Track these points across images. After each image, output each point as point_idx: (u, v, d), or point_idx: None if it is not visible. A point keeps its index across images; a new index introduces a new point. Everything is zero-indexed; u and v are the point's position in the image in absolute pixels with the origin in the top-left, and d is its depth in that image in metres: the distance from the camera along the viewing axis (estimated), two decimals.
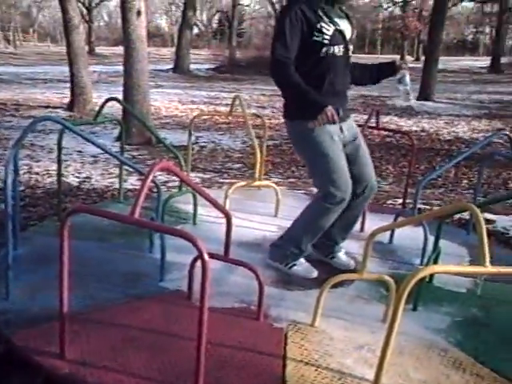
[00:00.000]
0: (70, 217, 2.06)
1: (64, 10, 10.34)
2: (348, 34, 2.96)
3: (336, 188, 2.92)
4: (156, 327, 2.53)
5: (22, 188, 4.52)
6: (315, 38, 2.83)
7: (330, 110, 2.71)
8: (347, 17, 3.04)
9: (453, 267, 1.93)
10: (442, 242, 2.96)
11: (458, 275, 3.14)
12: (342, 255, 3.35)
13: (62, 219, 2.08)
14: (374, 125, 4.17)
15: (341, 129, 3.00)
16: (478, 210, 1.99)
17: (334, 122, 2.77)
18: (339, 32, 2.89)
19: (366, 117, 4.10)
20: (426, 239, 3.22)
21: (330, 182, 2.92)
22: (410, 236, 3.72)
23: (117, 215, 2.24)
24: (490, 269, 1.79)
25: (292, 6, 2.83)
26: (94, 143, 3.38)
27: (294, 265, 3.21)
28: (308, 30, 2.82)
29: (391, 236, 3.78)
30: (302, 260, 3.24)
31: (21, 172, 4.46)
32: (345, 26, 2.95)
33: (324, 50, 2.86)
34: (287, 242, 3.23)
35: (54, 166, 6.08)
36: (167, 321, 2.59)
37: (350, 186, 2.96)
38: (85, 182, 5.63)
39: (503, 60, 34.31)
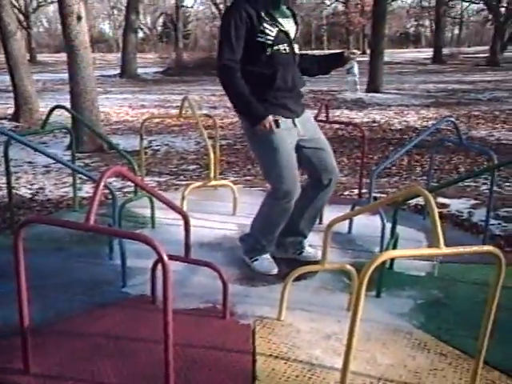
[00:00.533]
0: (23, 228, 2.00)
1: None
2: (292, 33, 2.99)
3: (284, 183, 2.96)
4: (122, 333, 2.48)
5: None
6: (259, 39, 2.86)
7: (268, 121, 2.84)
8: (293, 15, 3.06)
9: (409, 251, 1.95)
10: (400, 228, 3.02)
11: (417, 259, 3.20)
12: (308, 248, 3.37)
13: (15, 231, 2.02)
14: (324, 118, 4.21)
15: (294, 123, 3.02)
16: (429, 194, 2.03)
17: (272, 131, 2.86)
18: (283, 32, 2.93)
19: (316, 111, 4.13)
20: (383, 226, 3.28)
21: (279, 177, 2.96)
22: (369, 225, 3.78)
23: (71, 223, 2.21)
24: (444, 250, 1.83)
25: (236, 8, 2.85)
26: (43, 153, 3.30)
27: (256, 259, 3.23)
28: (252, 31, 2.85)
29: (350, 226, 3.83)
30: (265, 255, 3.25)
31: None
32: (289, 25, 2.98)
33: (269, 49, 2.89)
34: (250, 237, 3.27)
35: (3, 179, 5.95)
36: (133, 326, 2.55)
37: (297, 181, 3.01)
38: (38, 193, 5.49)
39: (445, 51, 35.33)
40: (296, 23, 3.05)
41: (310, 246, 3.40)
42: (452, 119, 4.14)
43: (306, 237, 3.37)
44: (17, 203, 4.83)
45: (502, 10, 29.26)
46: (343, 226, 3.76)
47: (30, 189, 5.66)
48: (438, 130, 7.53)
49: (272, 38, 2.88)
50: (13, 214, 3.87)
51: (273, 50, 2.89)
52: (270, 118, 2.86)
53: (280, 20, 2.93)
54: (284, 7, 3.00)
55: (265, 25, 2.86)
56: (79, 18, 7.25)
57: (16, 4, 37.12)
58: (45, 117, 4.16)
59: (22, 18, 38.43)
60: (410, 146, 3.82)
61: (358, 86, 3.30)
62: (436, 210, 1.94)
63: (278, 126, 2.89)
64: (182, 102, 4.60)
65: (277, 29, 2.89)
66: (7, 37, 10.00)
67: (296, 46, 3.01)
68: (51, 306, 2.72)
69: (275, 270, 3.18)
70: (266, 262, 3.23)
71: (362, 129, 4.32)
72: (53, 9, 50.29)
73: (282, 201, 3.01)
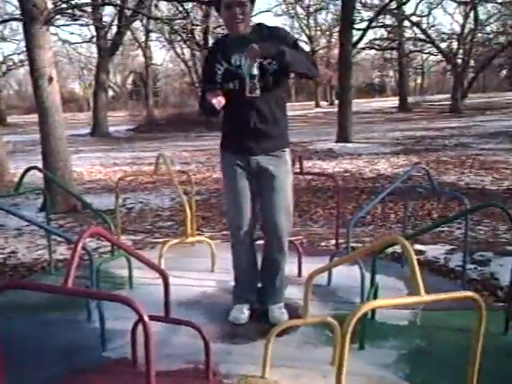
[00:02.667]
0: (0, 294, 1.95)
1: None
2: (247, 69, 2.94)
3: (229, 220, 3.14)
4: None
5: None
6: (216, 79, 3.03)
7: (209, 94, 2.91)
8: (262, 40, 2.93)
9: (390, 300, 1.96)
10: (379, 277, 3.02)
11: (398, 308, 3.20)
12: (276, 310, 3.24)
13: None
14: (298, 170, 4.26)
15: (248, 162, 3.07)
16: (406, 242, 2.05)
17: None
18: (232, 69, 2.99)
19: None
20: (362, 276, 3.28)
21: (227, 214, 3.16)
22: (348, 275, 3.78)
23: (49, 286, 2.17)
24: (425, 297, 1.84)
25: (210, 49, 3.15)
26: (17, 215, 3.25)
27: (234, 307, 3.27)
28: (212, 70, 3.04)
29: (329, 277, 3.83)
30: (239, 305, 3.27)
31: None
32: (244, 59, 2.95)
33: (226, 87, 3.00)
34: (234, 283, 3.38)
35: None
36: None
37: (242, 220, 3.09)
38: (10, 257, 5.37)
39: (409, 99, 36.50)
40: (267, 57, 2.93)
41: (287, 303, 3.33)
42: (424, 166, 4.24)
43: (268, 293, 3.29)
44: None
45: (459, 61, 30.52)
46: (323, 278, 3.75)
47: (1, 253, 5.53)
48: (409, 177, 7.70)
49: (219, 77, 3.02)
50: None
51: (223, 88, 2.98)
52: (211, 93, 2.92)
53: (234, 56, 2.99)
54: (251, 41, 2.88)
55: (216, 64, 3.03)
56: (50, 80, 7.30)
57: None
58: (18, 179, 4.13)
59: None
60: (384, 194, 3.88)
61: (258, 87, 2.94)
62: (414, 258, 1.96)
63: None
64: (157, 158, 4.61)
65: (224, 66, 3.00)
66: None
67: (251, 83, 2.93)
68: (27, 376, 2.63)
69: (241, 321, 3.19)
70: (235, 311, 3.24)
71: (336, 179, 4.38)
72: (23, 71, 50.53)
73: (234, 239, 3.18)
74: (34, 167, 4.45)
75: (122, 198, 8.48)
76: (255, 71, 2.89)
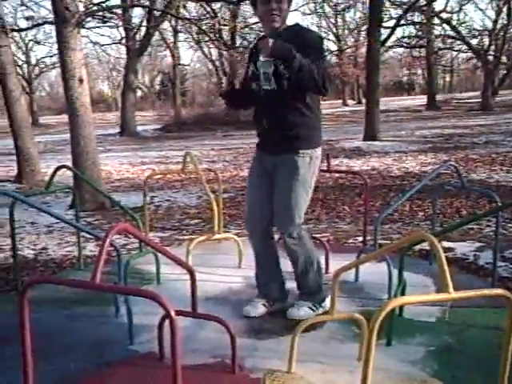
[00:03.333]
0: (28, 289, 1.99)
1: (4, 85, 10.28)
2: (261, 65, 2.98)
3: (244, 216, 3.26)
4: None
5: None
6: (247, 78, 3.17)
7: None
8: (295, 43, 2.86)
9: (418, 297, 1.94)
10: (407, 275, 2.99)
11: (426, 305, 3.17)
12: (291, 309, 3.22)
13: (21, 292, 2.01)
14: (325, 168, 4.23)
15: (267, 161, 3.15)
16: (434, 239, 2.02)
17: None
18: (255, 70, 3.06)
19: None
20: (390, 273, 3.25)
21: (245, 208, 3.29)
22: (375, 272, 3.75)
23: (78, 282, 2.20)
24: (453, 295, 1.82)
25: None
26: (48, 213, 3.32)
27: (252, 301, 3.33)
28: (245, 71, 3.21)
29: (356, 274, 3.80)
30: (255, 299, 3.32)
31: None
32: (268, 63, 2.94)
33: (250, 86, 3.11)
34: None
35: (7, 241, 5.94)
36: None
37: (250, 217, 3.22)
38: (41, 253, 5.47)
39: (438, 97, 36.03)
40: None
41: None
42: (453, 163, 4.18)
43: (285, 296, 3.37)
44: (20, 264, 4.80)
45: (490, 57, 30.00)
46: (350, 275, 3.73)
47: (33, 249, 5.64)
48: (437, 175, 7.60)
49: (249, 75, 3.13)
50: (17, 276, 3.85)
51: (252, 87, 3.10)
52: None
53: (260, 57, 2.99)
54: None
55: (250, 63, 3.13)
56: (81, 81, 7.42)
57: (20, 71, 38.17)
58: (49, 177, 4.21)
59: (25, 83, 39.38)
60: (413, 191, 3.84)
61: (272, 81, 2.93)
62: (443, 254, 1.93)
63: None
64: (185, 157, 4.63)
65: (252, 67, 3.09)
66: (11, 103, 10.26)
67: (270, 84, 2.97)
68: (57, 369, 2.67)
69: (251, 313, 3.22)
70: (249, 305, 3.29)
71: (364, 177, 4.34)
72: (55, 73, 51.49)
73: (249, 234, 3.29)
74: (64, 166, 4.53)
75: (149, 195, 8.57)
76: (268, 69, 2.90)
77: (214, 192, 5.08)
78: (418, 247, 4.40)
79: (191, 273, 2.67)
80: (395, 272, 3.03)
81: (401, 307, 3.13)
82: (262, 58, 2.92)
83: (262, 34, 3.26)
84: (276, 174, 3.09)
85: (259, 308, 3.26)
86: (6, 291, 4.11)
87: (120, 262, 3.20)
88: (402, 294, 2.86)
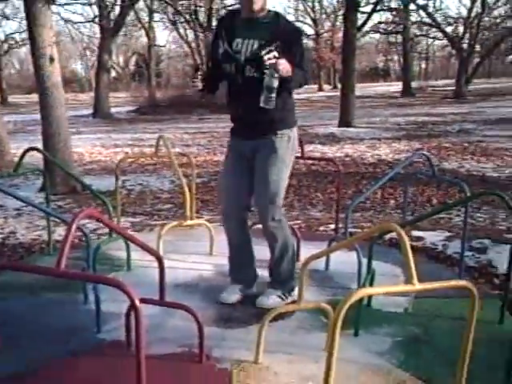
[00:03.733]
0: None
1: None
2: (245, 52, 2.93)
3: (220, 200, 3.23)
4: (98, 381, 2.41)
5: None
6: (215, 54, 3.05)
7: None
8: (272, 38, 2.90)
9: (383, 288, 1.96)
10: (377, 264, 3.02)
11: (394, 295, 3.20)
12: (267, 293, 3.24)
13: None
14: (298, 154, 4.22)
15: (243, 145, 3.12)
16: (401, 230, 2.03)
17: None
18: (234, 52, 2.95)
19: None
20: (359, 262, 3.27)
21: (219, 193, 3.17)
22: (346, 261, 3.77)
23: (42, 268, 2.16)
24: (417, 286, 1.83)
25: (217, 21, 3.25)
26: (15, 197, 3.25)
27: (227, 288, 3.33)
28: (214, 46, 3.07)
29: (327, 263, 3.83)
30: (232, 285, 3.33)
31: None
32: (246, 44, 2.93)
33: (224, 67, 3.02)
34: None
35: None
36: (109, 373, 2.48)
37: (227, 200, 3.18)
38: (9, 237, 5.37)
39: (413, 84, 36.30)
40: (266, 45, 2.89)
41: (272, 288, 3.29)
42: (425, 153, 4.21)
43: (255, 278, 3.38)
44: None
45: (465, 45, 30.29)
46: (320, 263, 3.75)
47: (0, 233, 5.54)
48: (410, 163, 7.66)
49: (220, 56, 3.01)
50: None
51: (221, 68, 3.02)
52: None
53: (236, 40, 2.95)
54: (259, 28, 2.93)
55: (219, 40, 3.00)
56: (52, 60, 7.24)
57: None
58: (18, 159, 4.12)
59: None
60: (385, 180, 3.87)
61: (273, 99, 2.83)
62: (408, 246, 1.94)
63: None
64: (158, 141, 4.58)
65: (224, 47, 2.98)
66: None
67: (248, 69, 2.93)
68: (23, 355, 2.63)
69: (228, 300, 3.24)
70: (226, 292, 3.29)
71: (337, 164, 4.34)
72: (25, 50, 50.29)
73: (223, 220, 3.24)
74: (34, 148, 4.44)
75: (122, 179, 8.45)
76: (275, 84, 2.80)
77: (186, 177, 5.04)
78: (388, 236, 4.44)
79: (159, 260, 2.65)
80: (365, 261, 3.05)
81: (369, 297, 3.15)
82: (269, 72, 2.78)
83: (230, 9, 3.20)
84: (256, 157, 3.08)
85: (236, 294, 3.26)
86: None
87: (89, 247, 3.16)
88: (371, 283, 2.88)
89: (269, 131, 3.05)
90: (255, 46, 2.92)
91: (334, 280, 3.64)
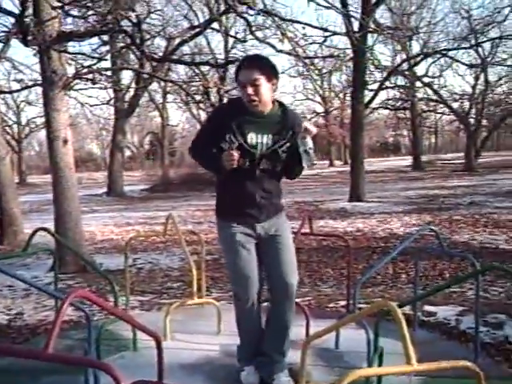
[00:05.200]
0: None
1: None
2: (262, 149, 3.03)
3: (233, 284, 3.20)
4: None
5: None
6: (222, 146, 3.01)
7: (226, 155, 2.94)
8: (280, 132, 3.04)
9: (379, 369, 1.89)
10: (387, 341, 2.93)
11: (405, 374, 3.08)
12: (283, 377, 3.13)
13: None
14: (307, 231, 4.22)
15: (254, 228, 3.12)
16: (396, 308, 1.97)
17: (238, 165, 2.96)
18: (247, 147, 2.99)
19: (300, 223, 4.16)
20: (368, 340, 3.18)
21: (232, 279, 3.21)
22: (356, 338, 3.65)
23: (27, 352, 2.09)
24: (416, 366, 1.77)
25: (218, 109, 3.43)
26: (19, 279, 3.25)
27: (242, 370, 3.19)
28: (220, 136, 3.02)
29: (337, 340, 3.72)
30: (250, 367, 3.17)
31: None
32: (261, 140, 3.03)
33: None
34: (239, 345, 3.31)
35: None
36: None
37: (248, 284, 3.09)
38: (16, 318, 5.32)
39: (423, 158, 36.71)
40: (279, 134, 3.03)
41: (292, 371, 3.20)
42: (432, 227, 4.20)
43: (274, 359, 3.17)
44: None
45: (472, 120, 30.82)
46: (330, 342, 3.65)
47: (7, 314, 5.49)
48: (421, 236, 7.60)
49: (227, 145, 3.00)
50: None
51: (242, 164, 3.00)
52: (226, 153, 2.95)
53: (250, 134, 3.00)
54: (269, 122, 3.03)
55: (226, 129, 2.98)
56: (65, 142, 7.46)
57: (10, 131, 38.60)
58: (27, 239, 4.16)
59: (14, 143, 39.75)
60: (394, 254, 3.83)
61: (314, 160, 3.04)
62: (404, 324, 1.88)
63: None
64: (166, 220, 4.64)
65: (239, 141, 2.97)
66: None
67: (263, 161, 3.03)
68: None
69: (250, 381, 3.11)
70: (245, 374, 3.15)
71: (347, 239, 4.33)
72: (44, 133, 52.02)
73: (241, 303, 3.15)
74: (43, 228, 4.49)
75: (132, 258, 8.48)
76: (310, 144, 2.97)
77: (197, 254, 5.04)
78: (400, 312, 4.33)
79: (156, 339, 2.58)
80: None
81: (379, 377, 3.03)
82: (302, 137, 2.99)
83: (232, 98, 3.36)
84: (274, 236, 3.14)
85: (257, 375, 3.16)
86: None
87: (90, 327, 3.11)
88: (380, 362, 2.79)
89: (278, 211, 3.21)
90: (270, 141, 3.04)
91: (344, 359, 3.53)
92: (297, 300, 3.40)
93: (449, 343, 3.85)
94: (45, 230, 4.55)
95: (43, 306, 5.71)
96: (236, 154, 2.91)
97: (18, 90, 13.89)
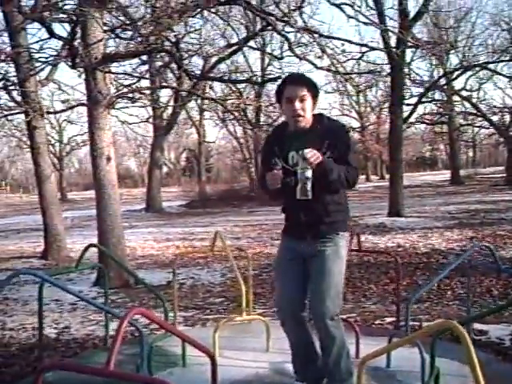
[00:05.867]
0: (41, 375, 1.94)
1: (36, 163, 10.63)
2: (300, 173, 2.96)
3: (275, 304, 3.27)
4: None
5: None
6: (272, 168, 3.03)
7: (269, 176, 2.98)
8: (319, 139, 3.01)
9: None
10: (442, 361, 2.87)
11: None
12: None
13: (35, 378, 1.95)
14: (355, 247, 4.20)
15: (300, 246, 3.13)
16: (461, 328, 1.91)
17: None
18: (291, 166, 3.03)
19: None
20: (422, 360, 3.11)
21: (274, 296, 3.28)
22: (408, 357, 3.58)
23: (92, 369, 2.14)
24: None
25: (266, 140, 3.24)
26: (74, 294, 3.31)
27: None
28: (269, 160, 3.06)
29: (388, 359, 3.65)
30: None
31: None
32: (295, 157, 3.04)
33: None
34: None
35: (30, 319, 5.92)
36: None
37: (286, 305, 3.12)
38: (63, 332, 5.41)
39: (461, 172, 36.08)
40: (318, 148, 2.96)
41: None
42: (488, 245, 4.12)
43: (323, 376, 3.19)
44: (42, 344, 4.76)
45: None
46: (381, 360, 3.57)
47: (55, 328, 5.59)
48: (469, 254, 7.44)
49: (279, 169, 3.01)
50: (39, 358, 3.80)
51: (287, 181, 3.01)
52: (268, 174, 2.99)
53: (290, 153, 3.06)
54: (310, 138, 3.02)
55: (273, 156, 3.05)
56: (109, 159, 7.61)
57: (52, 150, 39.69)
58: (79, 256, 4.28)
59: (56, 161, 40.81)
60: (447, 272, 3.78)
61: (309, 190, 2.92)
62: (471, 348, 1.81)
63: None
64: (214, 236, 4.69)
65: (281, 164, 3.02)
66: (42, 180, 10.60)
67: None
68: None
69: None
70: None
71: (396, 257, 4.29)
72: (84, 151, 53.25)
73: (282, 323, 3.19)
74: (93, 245, 4.60)
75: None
76: (309, 175, 2.88)
77: (238, 269, 5.04)
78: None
79: (211, 357, 2.60)
80: (429, 358, 2.89)
81: None
82: (301, 164, 2.89)
83: (277, 124, 3.37)
84: (318, 257, 3.10)
85: None
86: (28, 373, 4.04)
87: (143, 344, 3.14)
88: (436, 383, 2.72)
89: (332, 232, 3.13)
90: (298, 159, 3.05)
91: (397, 378, 3.46)
92: (342, 316, 3.37)
93: (506, 366, 3.70)
94: (95, 246, 4.67)
95: (89, 321, 5.80)
96: (277, 173, 2.93)
97: (63, 110, 14.25)
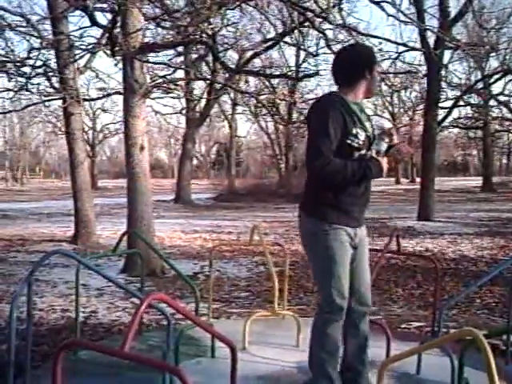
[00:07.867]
0: (62, 352, 1.95)
1: (70, 149, 10.79)
2: (371, 137, 3.05)
3: (337, 294, 2.90)
4: None
5: (23, 326, 4.38)
6: (349, 142, 2.88)
7: (381, 164, 2.97)
8: (369, 118, 3.11)
9: None
10: (472, 372, 2.80)
11: None
12: None
13: (55, 354, 1.95)
14: (393, 248, 4.16)
15: (355, 234, 3.05)
16: (482, 337, 1.86)
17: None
18: (368, 138, 2.99)
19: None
20: (452, 369, 3.05)
21: (332, 288, 2.91)
22: (439, 365, 3.51)
23: (108, 349, 2.18)
24: None
25: (332, 106, 2.87)
26: (113, 281, 3.35)
27: None
28: (344, 132, 2.86)
29: (418, 366, 3.57)
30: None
31: (23, 309, 4.34)
32: (370, 129, 3.05)
33: (357, 154, 2.93)
34: (316, 376, 3.04)
35: (59, 301, 6.03)
36: None
37: (345, 295, 2.97)
38: (91, 316, 5.49)
39: (494, 179, 35.41)
40: (372, 126, 3.10)
41: None
42: None
43: (360, 373, 3.11)
44: (69, 326, 4.85)
45: None
46: (411, 366, 3.52)
47: (83, 312, 5.65)
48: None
49: (361, 143, 2.92)
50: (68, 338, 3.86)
51: (360, 155, 2.93)
52: (379, 161, 2.97)
53: (366, 124, 3.00)
54: (362, 113, 3.05)
55: (357, 129, 2.90)
56: (142, 148, 7.67)
57: (85, 137, 40.31)
58: (116, 241, 4.39)
59: (88, 148, 41.49)
60: (486, 279, 3.70)
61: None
62: (491, 356, 1.75)
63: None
64: (252, 229, 4.78)
65: (364, 134, 2.95)
66: (75, 166, 10.77)
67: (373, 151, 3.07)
68: None
69: None
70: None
71: (436, 262, 4.23)
72: (116, 139, 53.96)
73: (335, 314, 2.95)
74: (129, 231, 4.67)
75: (200, 265, 8.59)
76: (384, 147, 3.01)
77: (263, 265, 5.05)
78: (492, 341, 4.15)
79: (232, 348, 2.58)
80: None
81: None
82: (380, 138, 3.04)
83: (332, 92, 3.12)
84: (362, 246, 3.11)
85: None
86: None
87: (169, 330, 3.15)
88: None
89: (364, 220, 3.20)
90: (373, 131, 3.07)
91: None
92: (371, 317, 3.33)
93: None
94: (134, 233, 4.73)
95: (116, 307, 5.86)
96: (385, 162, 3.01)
97: (99, 98, 14.48)
